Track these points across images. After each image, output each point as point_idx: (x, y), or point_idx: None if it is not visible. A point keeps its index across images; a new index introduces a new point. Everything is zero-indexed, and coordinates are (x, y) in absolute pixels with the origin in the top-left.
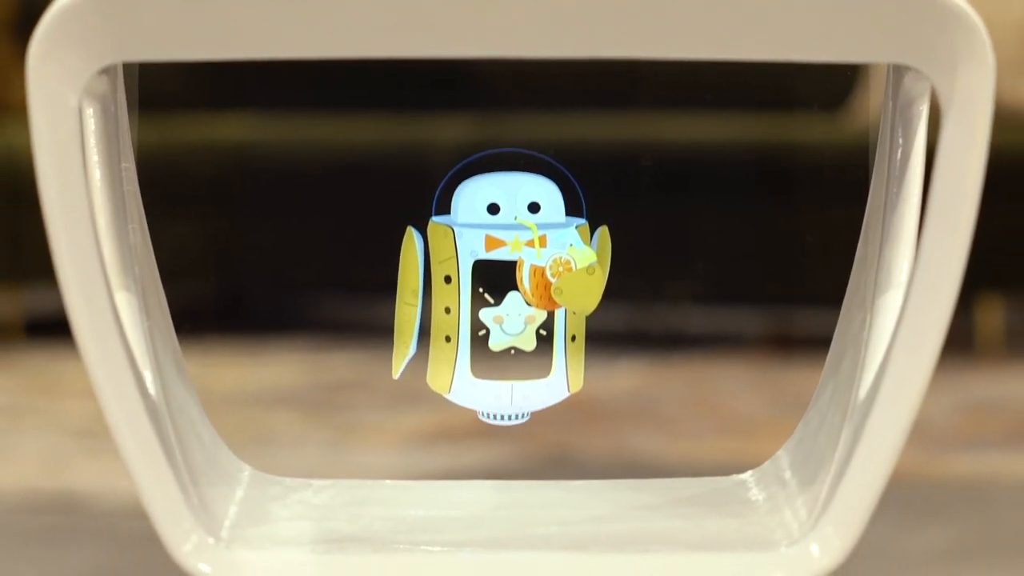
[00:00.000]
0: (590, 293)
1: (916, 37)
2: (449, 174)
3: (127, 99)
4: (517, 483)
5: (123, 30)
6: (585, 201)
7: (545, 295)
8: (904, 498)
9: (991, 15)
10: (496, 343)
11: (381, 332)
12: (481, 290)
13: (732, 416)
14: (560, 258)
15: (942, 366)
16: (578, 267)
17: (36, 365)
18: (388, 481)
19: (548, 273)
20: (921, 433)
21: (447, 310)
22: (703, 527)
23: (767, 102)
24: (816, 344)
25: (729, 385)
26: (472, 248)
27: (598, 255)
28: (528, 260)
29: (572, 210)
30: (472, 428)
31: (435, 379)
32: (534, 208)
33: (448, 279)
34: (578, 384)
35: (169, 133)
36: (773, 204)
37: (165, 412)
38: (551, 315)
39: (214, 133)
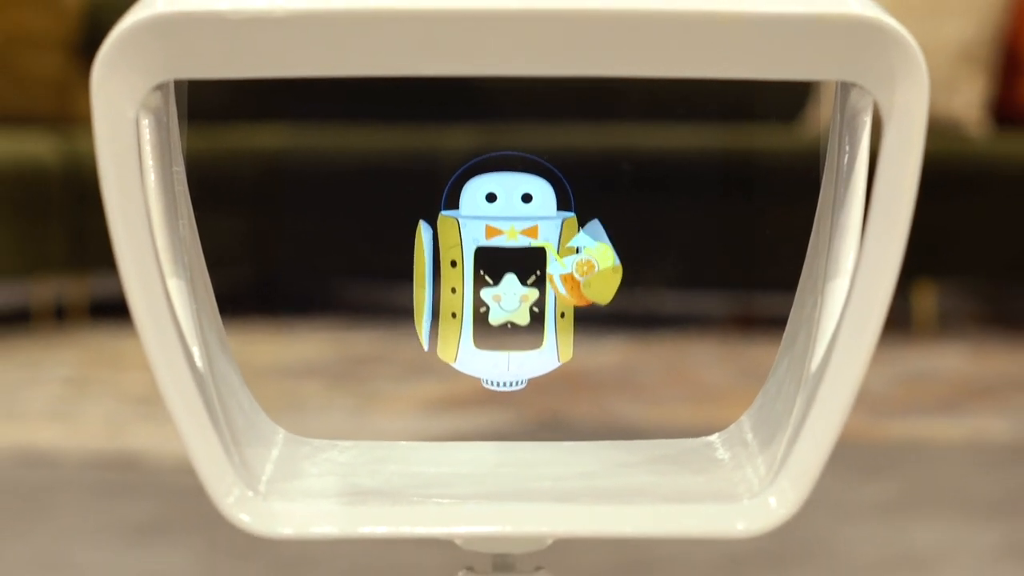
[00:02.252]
0: (612, 287)
1: (861, 58)
2: (456, 173)
3: (178, 111)
4: (516, 444)
5: (174, 52)
6: (573, 198)
7: (575, 290)
8: (850, 457)
9: (926, 39)
10: (495, 318)
11: (398, 313)
12: (482, 272)
13: (701, 386)
14: (581, 260)
15: (883, 342)
16: (601, 266)
17: (99, 342)
18: (403, 442)
19: (575, 274)
20: (865, 400)
21: (453, 290)
22: (676, 482)
23: (732, 114)
24: (774, 324)
25: (699, 359)
26: (474, 236)
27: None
28: (555, 272)
29: (563, 207)
30: (476, 396)
31: (443, 350)
32: (527, 198)
33: (454, 263)
34: (567, 355)
35: (214, 141)
36: (737, 202)
37: (210, 382)
38: (543, 294)
39: (253, 141)
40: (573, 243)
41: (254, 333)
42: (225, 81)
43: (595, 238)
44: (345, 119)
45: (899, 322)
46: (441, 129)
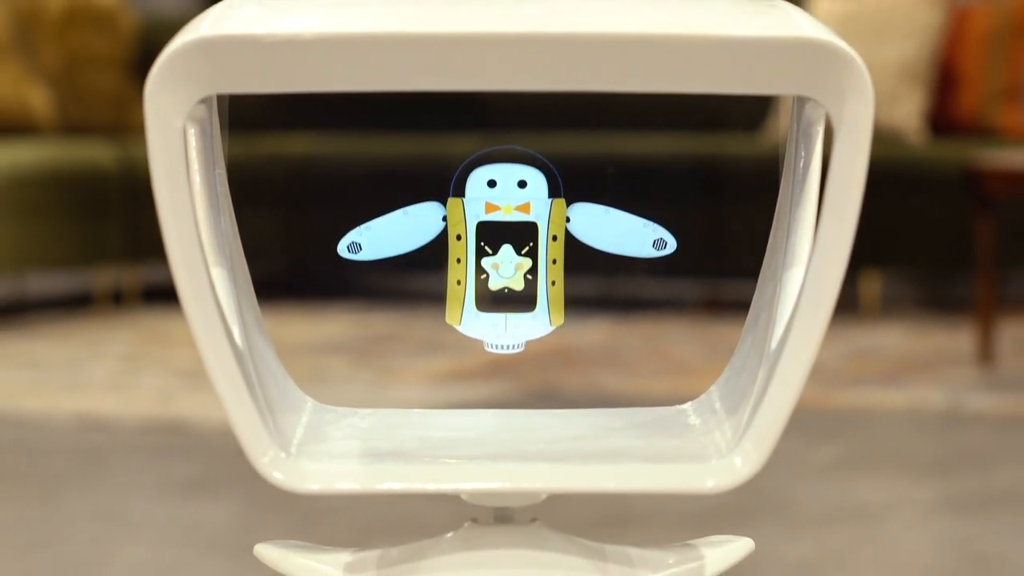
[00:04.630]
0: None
1: (815, 75)
2: (464, 163)
3: (220, 121)
4: (514, 411)
5: (217, 70)
6: (562, 183)
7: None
8: (805, 422)
9: (872, 58)
10: (493, 284)
11: (411, 297)
12: (483, 244)
13: (675, 361)
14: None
15: (834, 323)
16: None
17: (151, 323)
18: (416, 410)
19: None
20: (818, 373)
21: (458, 260)
22: (653, 444)
23: (703, 124)
24: (739, 307)
25: (674, 338)
26: (476, 212)
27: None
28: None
29: (553, 194)
30: (480, 370)
31: (450, 314)
32: (522, 184)
33: (459, 237)
34: (559, 320)
35: (252, 147)
36: (707, 201)
37: (248, 358)
38: (535, 263)
39: (286, 148)
40: (541, 207)
41: (286, 315)
42: (261, 95)
43: (565, 212)
44: (365, 128)
45: (848, 305)
46: (448, 137)
